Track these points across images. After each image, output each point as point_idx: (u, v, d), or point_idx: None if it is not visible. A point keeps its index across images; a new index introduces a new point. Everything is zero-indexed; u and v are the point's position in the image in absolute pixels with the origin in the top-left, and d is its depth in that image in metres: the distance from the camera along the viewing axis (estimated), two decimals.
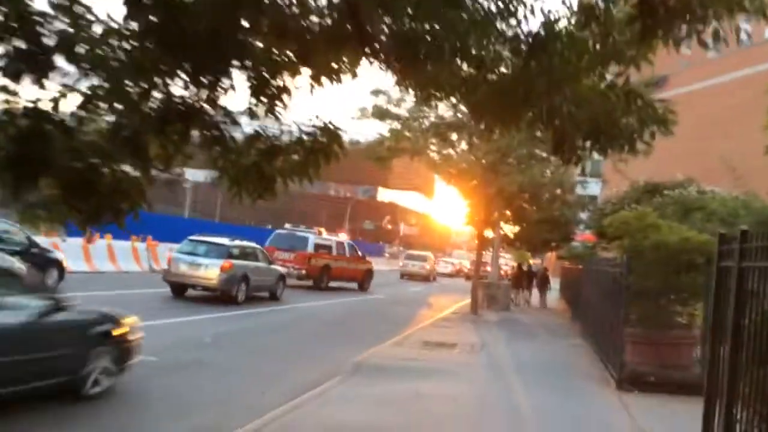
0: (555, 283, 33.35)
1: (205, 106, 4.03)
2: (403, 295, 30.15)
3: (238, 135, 4.47)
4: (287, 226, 29.01)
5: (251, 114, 4.28)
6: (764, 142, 29.60)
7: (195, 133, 4.20)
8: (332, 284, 26.52)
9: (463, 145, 20.69)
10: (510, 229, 29.56)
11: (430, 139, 20.19)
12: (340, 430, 6.52)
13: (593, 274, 15.07)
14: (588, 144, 4.91)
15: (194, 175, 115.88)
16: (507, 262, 51.58)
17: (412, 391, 8.61)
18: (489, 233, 26.86)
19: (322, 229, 30.03)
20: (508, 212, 24.86)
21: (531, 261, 49.74)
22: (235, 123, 4.15)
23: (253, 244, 20.04)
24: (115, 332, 7.49)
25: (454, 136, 20.68)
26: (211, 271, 17.28)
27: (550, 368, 11.77)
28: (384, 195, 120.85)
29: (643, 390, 9.80)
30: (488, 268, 26.86)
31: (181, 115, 3.93)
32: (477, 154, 19.44)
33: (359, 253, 29.76)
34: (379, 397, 8.24)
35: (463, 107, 21.19)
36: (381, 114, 19.67)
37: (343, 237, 32.75)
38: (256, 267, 18.96)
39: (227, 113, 4.10)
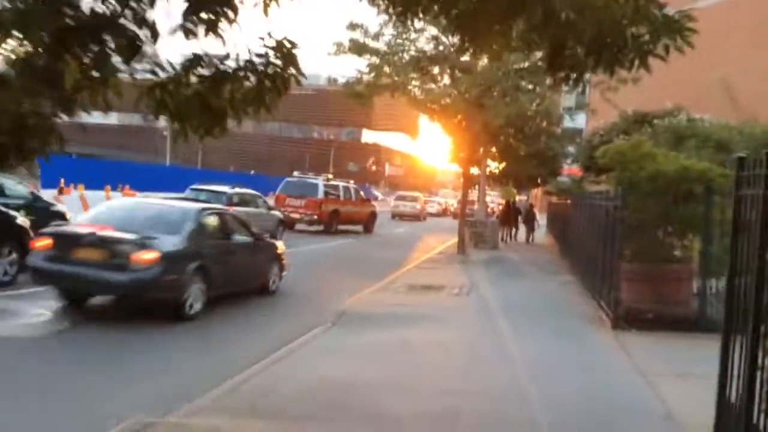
0: (542, 219, 33.16)
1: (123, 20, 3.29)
2: (394, 235, 29.87)
3: (174, 60, 3.74)
4: (296, 173, 29.15)
5: (186, 32, 3.53)
6: (753, 67, 28.86)
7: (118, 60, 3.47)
8: (340, 228, 26.76)
9: (446, 80, 19.78)
10: (496, 166, 29.00)
11: (410, 74, 19.23)
12: (320, 388, 5.99)
13: (583, 209, 14.54)
14: (590, 61, 4.22)
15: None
16: (493, 199, 51.22)
17: (398, 340, 8.11)
18: (475, 171, 26.29)
19: (330, 176, 30.31)
20: (493, 149, 24.17)
21: (517, 197, 49.44)
22: (155, 33, 3.40)
23: (252, 191, 20.74)
24: (280, 252, 12.07)
25: (435, 70, 19.75)
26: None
27: (541, 309, 11.33)
28: (368, 137, 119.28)
29: (640, 328, 9.37)
30: (474, 207, 26.34)
31: (92, 29, 3.19)
32: (460, 89, 18.58)
33: (364, 196, 30.16)
34: (364, 348, 7.73)
35: (445, 39, 20.28)
36: (358, 48, 18.64)
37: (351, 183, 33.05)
38: (256, 213, 19.32)
39: (143, 21, 3.34)
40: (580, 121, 31.95)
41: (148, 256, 8.50)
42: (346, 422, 5.22)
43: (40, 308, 8.95)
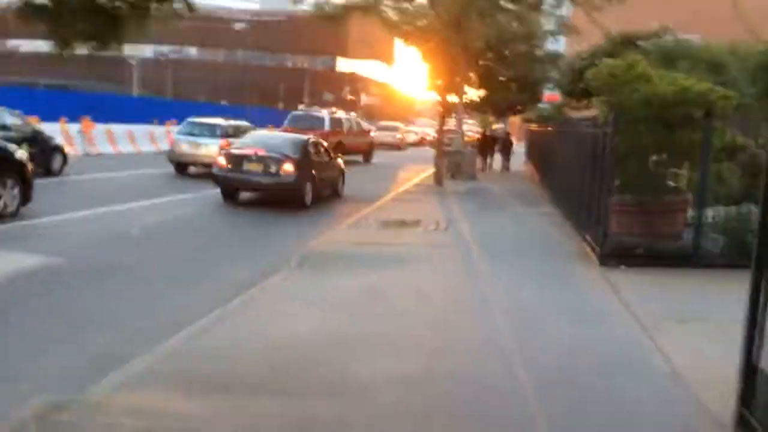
0: (520, 147, 32.58)
1: None
2: (371, 166, 29.25)
3: None
4: (301, 107, 32.70)
5: None
6: None
7: None
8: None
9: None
10: (475, 94, 27.92)
11: None
12: (272, 352, 5.17)
13: (567, 137, 13.67)
14: None
15: (141, 51, 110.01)
16: (470, 128, 50.24)
17: (368, 286, 7.30)
18: (453, 98, 25.20)
19: (335, 109, 32.84)
20: (472, 75, 22.99)
21: (494, 126, 48.49)
22: None
23: (246, 123, 22.14)
24: (343, 169, 16.88)
25: None
26: (211, 149, 18.53)
27: (522, 245, 10.59)
28: (343, 65, 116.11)
29: (629, 264, 8.69)
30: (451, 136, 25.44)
31: None
32: (437, 8, 17.32)
33: (363, 127, 32.06)
34: (328, 297, 6.92)
35: None
36: None
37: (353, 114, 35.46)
38: None
39: None
40: (560, 45, 30.73)
41: (289, 167, 13.75)
42: (302, 393, 4.43)
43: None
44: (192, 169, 19.24)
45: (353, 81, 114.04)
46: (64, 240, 9.68)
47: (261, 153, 13.82)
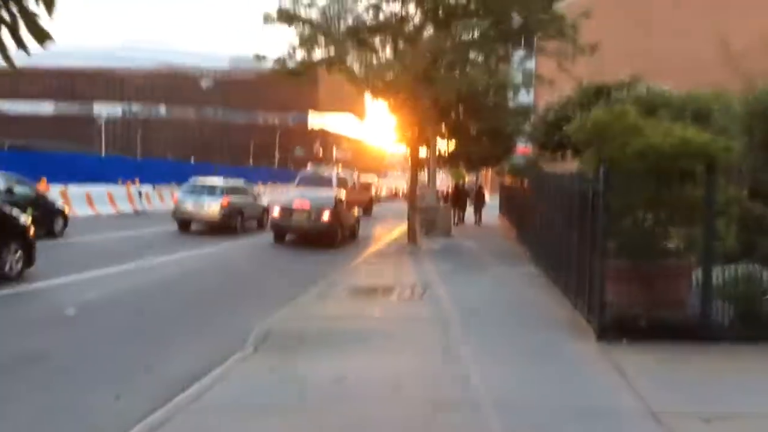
0: (493, 200, 32.08)
1: None
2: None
3: None
4: (309, 166, 40.04)
5: None
6: (711, 36, 27.70)
7: None
8: None
9: (388, 52, 17.74)
10: (446, 146, 27.33)
11: (348, 47, 17.13)
12: None
13: (548, 192, 12.80)
14: None
15: (108, 110, 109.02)
16: (442, 181, 49.86)
17: (333, 378, 6.14)
18: (424, 152, 24.50)
19: (340, 167, 39.54)
20: (443, 128, 22.33)
21: (466, 178, 48.11)
22: None
23: (241, 182, 24.24)
24: (358, 215, 22.49)
25: (377, 42, 17.72)
26: (213, 207, 20.92)
27: (509, 314, 9.52)
28: (315, 119, 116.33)
29: (631, 339, 7.67)
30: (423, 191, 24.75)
31: None
32: (404, 62, 16.64)
33: (363, 182, 37.41)
34: (284, 398, 5.75)
35: (386, 6, 18.27)
36: (288, 18, 16.44)
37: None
38: (248, 203, 23.21)
39: None
40: (529, 98, 30.41)
41: (326, 216, 18.64)
42: None
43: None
44: (194, 226, 21.23)
45: (324, 136, 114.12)
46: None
47: (307, 207, 18.96)
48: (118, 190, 28.35)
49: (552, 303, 10.18)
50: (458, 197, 29.12)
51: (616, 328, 7.83)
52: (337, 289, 11.32)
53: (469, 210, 30.41)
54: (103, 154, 76.15)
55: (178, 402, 5.50)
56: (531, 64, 22.56)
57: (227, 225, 21.04)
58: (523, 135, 21.32)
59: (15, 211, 11.74)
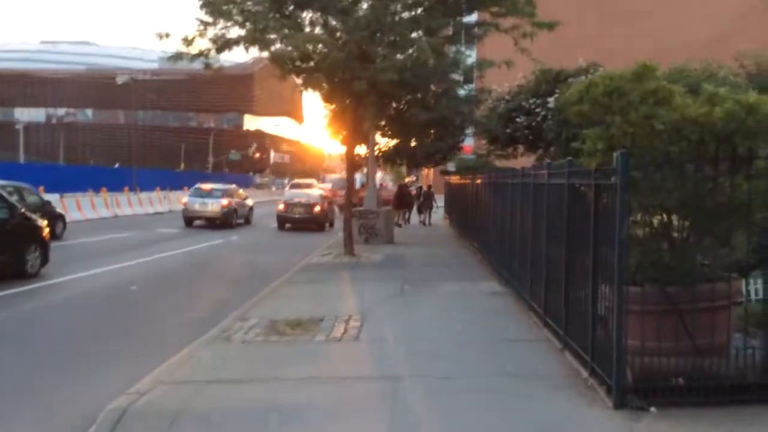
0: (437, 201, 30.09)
1: None
2: (271, 232, 25.70)
3: None
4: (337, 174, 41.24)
5: None
6: (676, 20, 25.84)
7: None
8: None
9: (318, 30, 14.89)
10: (386, 143, 24.82)
11: (270, 22, 14.21)
12: None
13: (516, 192, 10.24)
14: None
15: (30, 115, 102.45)
16: (384, 182, 47.46)
17: None
18: (362, 149, 21.86)
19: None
20: (383, 122, 19.61)
21: (407, 179, 45.74)
22: None
23: (234, 186, 30.19)
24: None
25: (305, 17, 14.87)
26: (215, 207, 25.80)
27: (481, 363, 6.77)
28: (250, 122, 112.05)
29: (662, 405, 5.18)
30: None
31: None
32: (336, 36, 13.87)
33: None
34: None
35: None
36: None
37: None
38: (239, 202, 27.79)
39: None
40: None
41: (318, 208, 25.40)
42: None
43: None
44: (196, 222, 25.91)
45: (261, 139, 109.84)
46: None
47: (304, 201, 25.90)
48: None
49: (533, 338, 7.59)
50: (402, 198, 26.73)
51: (642, 390, 5.30)
52: (250, 324, 8.46)
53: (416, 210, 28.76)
54: (21, 161, 71.12)
55: None
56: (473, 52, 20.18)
57: (226, 221, 25.66)
58: (476, 126, 18.76)
59: (34, 216, 13.26)
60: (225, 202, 25.87)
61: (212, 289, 12.16)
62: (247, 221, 28.21)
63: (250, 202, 29.54)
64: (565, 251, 7.02)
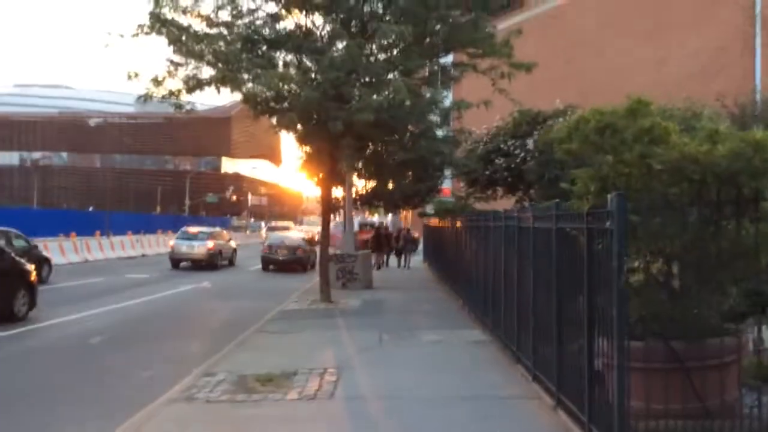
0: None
1: None
2: (249, 275, 25.44)
3: None
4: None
5: None
6: (644, 55, 25.96)
7: None
8: None
9: (291, 70, 14.52)
10: (364, 184, 24.42)
11: (242, 62, 13.81)
12: None
13: (498, 235, 9.77)
14: None
15: (2, 158, 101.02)
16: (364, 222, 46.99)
17: None
18: (338, 192, 21.44)
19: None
20: (360, 164, 19.18)
21: (384, 222, 45.32)
22: None
23: (219, 228, 33.05)
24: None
25: (279, 58, 14.51)
26: (202, 249, 26.66)
27: (467, 420, 6.23)
28: (228, 166, 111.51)
29: None
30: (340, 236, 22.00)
31: None
32: (309, 76, 13.50)
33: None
34: None
35: (288, 16, 15.25)
36: (162, 23, 13.00)
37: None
38: (223, 244, 28.88)
39: None
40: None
41: (299, 252, 26.65)
42: None
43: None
44: (183, 264, 26.46)
45: (239, 181, 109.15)
46: None
47: (287, 244, 27.26)
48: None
49: (526, 399, 7.01)
50: (380, 240, 26.26)
51: None
52: (217, 380, 7.80)
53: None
54: None
55: None
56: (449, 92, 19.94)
57: (211, 263, 26.41)
58: (456, 167, 18.40)
59: (22, 261, 13.47)
60: (210, 244, 26.81)
61: (179, 341, 11.44)
62: (231, 263, 29.00)
63: (233, 244, 30.49)
64: (555, 300, 6.53)
